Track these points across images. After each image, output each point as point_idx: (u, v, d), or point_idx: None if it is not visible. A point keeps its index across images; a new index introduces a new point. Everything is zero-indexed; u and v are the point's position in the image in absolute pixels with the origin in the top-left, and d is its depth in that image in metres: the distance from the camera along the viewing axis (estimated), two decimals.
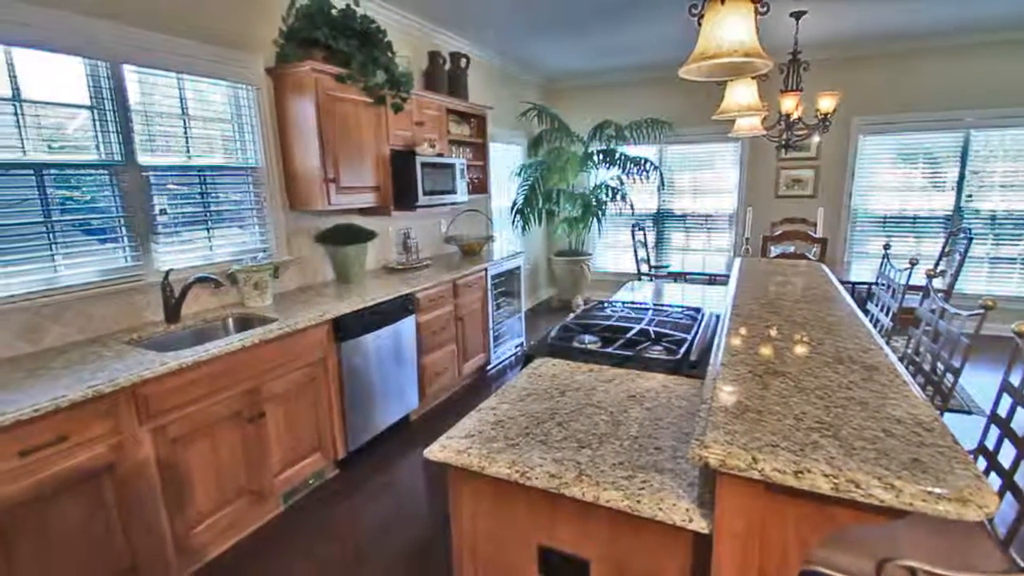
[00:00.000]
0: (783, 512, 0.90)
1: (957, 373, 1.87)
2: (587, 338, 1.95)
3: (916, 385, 1.14)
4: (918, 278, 2.69)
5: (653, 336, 1.93)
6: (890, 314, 2.62)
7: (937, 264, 4.75)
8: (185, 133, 2.62)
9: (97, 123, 2.27)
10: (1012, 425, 1.40)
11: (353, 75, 3.01)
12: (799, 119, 4.21)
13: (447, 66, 4.24)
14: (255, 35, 2.87)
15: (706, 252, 6.24)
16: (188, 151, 2.64)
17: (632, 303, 2.51)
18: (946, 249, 4.76)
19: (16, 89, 2.00)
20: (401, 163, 3.47)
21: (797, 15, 4.00)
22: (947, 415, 1.93)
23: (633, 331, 1.98)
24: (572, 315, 2.29)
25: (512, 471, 1.13)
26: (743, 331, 1.57)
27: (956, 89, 4.89)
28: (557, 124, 5.75)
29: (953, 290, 4.22)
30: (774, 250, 4.88)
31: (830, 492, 0.81)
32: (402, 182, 3.49)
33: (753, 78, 2.44)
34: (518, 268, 4.75)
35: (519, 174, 5.89)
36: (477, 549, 1.28)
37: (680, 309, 2.35)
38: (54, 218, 2.14)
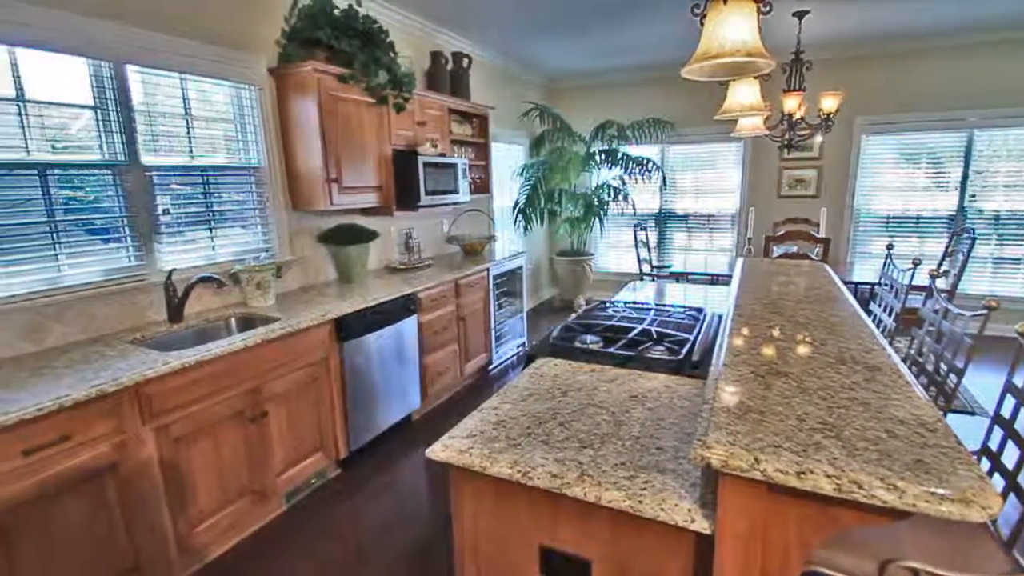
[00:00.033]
0: (785, 513, 0.90)
1: (960, 374, 1.86)
2: (589, 338, 1.94)
3: (919, 386, 1.13)
4: (921, 278, 2.68)
5: (655, 336, 1.93)
6: (893, 314, 2.61)
7: (940, 264, 4.73)
8: (188, 133, 2.63)
9: (100, 123, 2.27)
10: (1016, 426, 1.39)
11: (355, 75, 3.02)
12: (802, 119, 4.20)
13: (449, 66, 4.25)
14: (257, 35, 2.88)
15: (708, 252, 6.22)
16: (191, 151, 2.65)
17: (634, 303, 2.51)
18: (949, 249, 4.74)
19: (20, 89, 2.01)
20: (403, 163, 3.47)
21: (800, 15, 4.00)
22: (950, 416, 1.92)
23: (635, 331, 1.97)
24: (574, 315, 2.29)
25: (514, 471, 1.13)
26: (745, 331, 1.56)
27: (959, 89, 4.88)
28: (559, 124, 5.74)
29: (956, 290, 4.21)
30: (776, 250, 4.88)
31: (833, 493, 0.81)
32: (404, 182, 3.49)
33: (755, 78, 2.44)
34: (520, 268, 4.75)
35: (521, 174, 5.89)
36: (479, 549, 1.28)
37: (682, 309, 2.35)
38: (57, 218, 2.14)
